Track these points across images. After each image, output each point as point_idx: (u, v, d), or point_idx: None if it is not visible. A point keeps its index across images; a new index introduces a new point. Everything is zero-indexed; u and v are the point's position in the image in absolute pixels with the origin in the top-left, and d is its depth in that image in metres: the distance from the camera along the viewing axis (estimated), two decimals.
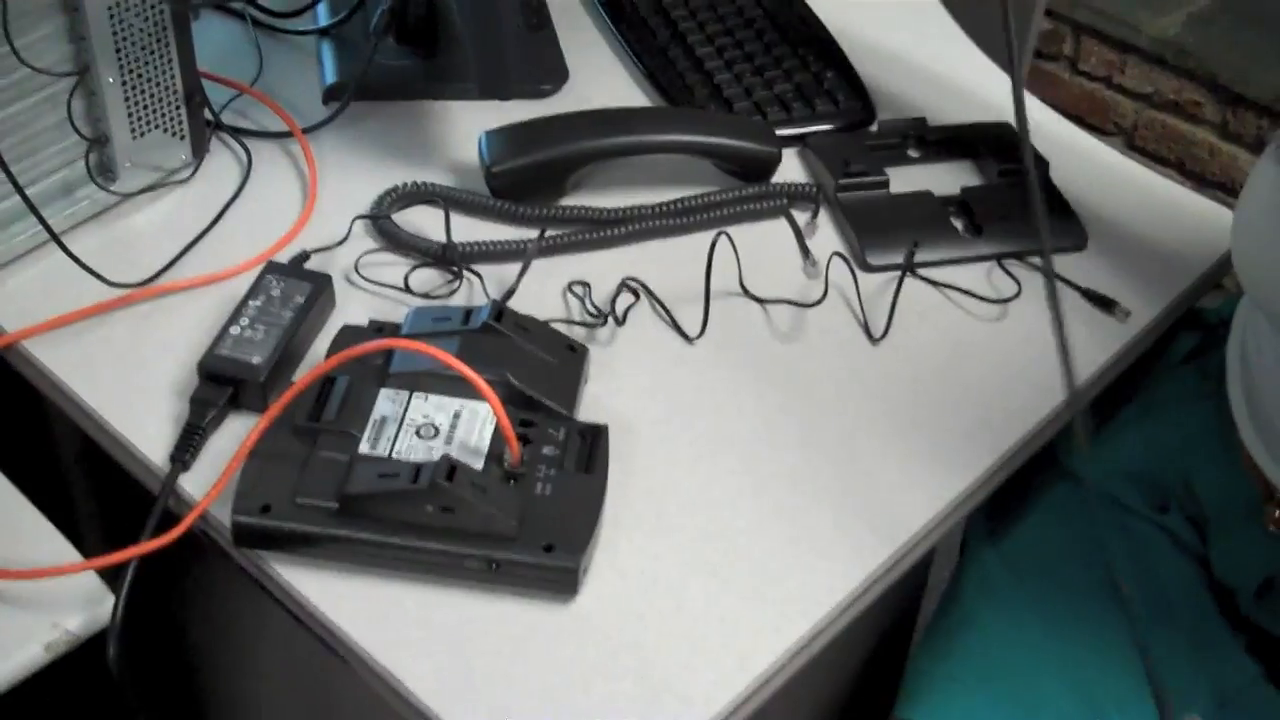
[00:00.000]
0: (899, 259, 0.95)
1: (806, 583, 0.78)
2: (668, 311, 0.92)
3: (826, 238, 0.99)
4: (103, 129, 0.95)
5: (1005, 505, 0.94)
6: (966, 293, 0.94)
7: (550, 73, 1.12)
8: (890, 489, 0.83)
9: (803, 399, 0.88)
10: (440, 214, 0.97)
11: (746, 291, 0.93)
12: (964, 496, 0.84)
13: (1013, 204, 0.99)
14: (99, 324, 0.91)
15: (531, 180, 0.99)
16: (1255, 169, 0.83)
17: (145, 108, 0.96)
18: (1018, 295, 0.94)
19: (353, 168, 1.03)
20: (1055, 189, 1.02)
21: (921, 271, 0.94)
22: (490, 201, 0.98)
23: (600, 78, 1.13)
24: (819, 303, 0.92)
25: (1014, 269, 0.96)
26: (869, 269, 0.96)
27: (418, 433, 0.80)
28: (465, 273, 0.94)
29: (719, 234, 0.92)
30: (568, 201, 1.00)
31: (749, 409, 0.87)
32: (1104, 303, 0.94)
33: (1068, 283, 0.95)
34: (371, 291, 0.93)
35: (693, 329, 0.91)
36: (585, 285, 0.93)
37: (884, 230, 0.97)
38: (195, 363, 0.85)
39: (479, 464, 0.79)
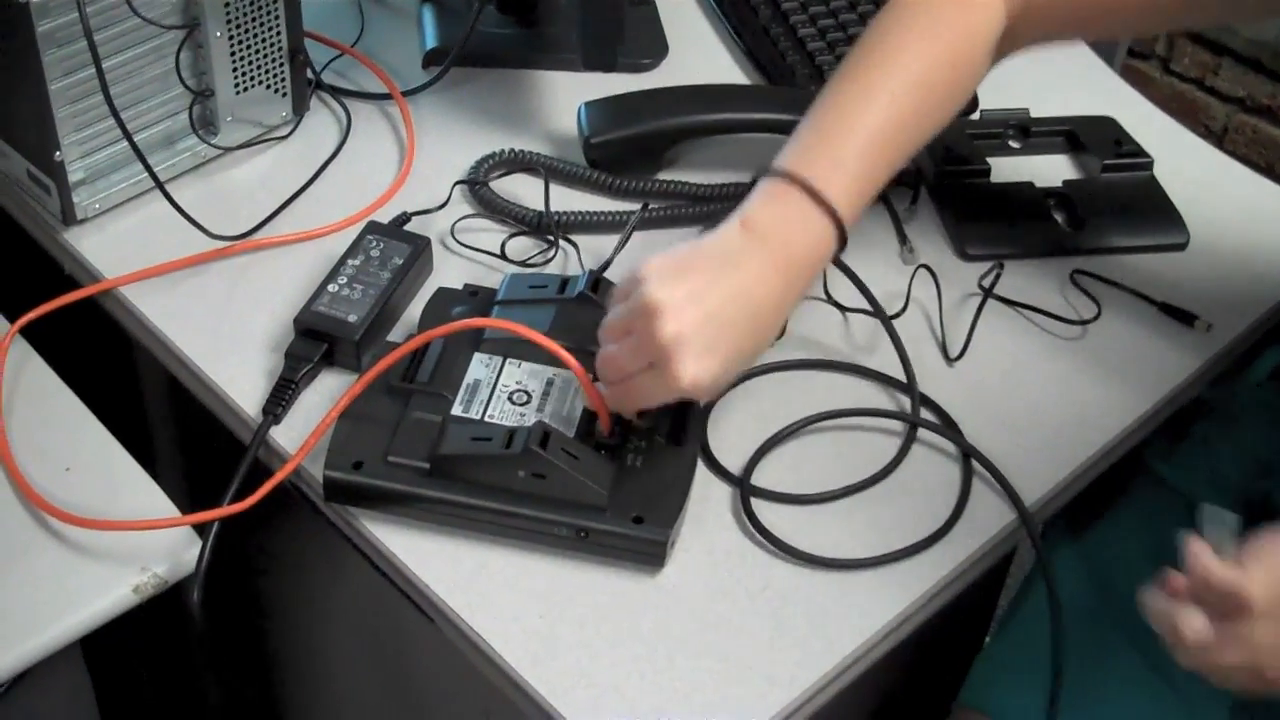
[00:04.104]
0: (997, 250, 0.95)
1: (895, 571, 0.78)
2: None
3: (925, 224, 0.98)
4: (207, 82, 0.95)
5: (1088, 503, 0.93)
6: (1045, 313, 0.92)
7: (650, 47, 1.12)
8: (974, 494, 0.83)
9: (885, 403, 0.88)
10: (536, 182, 0.97)
11: (829, 297, 0.92)
12: (1038, 506, 0.83)
13: (1115, 199, 0.98)
14: (196, 274, 0.91)
15: (629, 153, 0.98)
16: None
17: (250, 63, 0.97)
18: (1098, 316, 0.92)
19: (450, 133, 1.03)
20: (1159, 186, 1.00)
21: (1003, 292, 0.92)
22: (588, 172, 0.98)
23: (700, 54, 1.13)
24: (900, 314, 0.91)
25: (1093, 287, 0.94)
26: (967, 258, 0.95)
27: (510, 399, 0.81)
28: (561, 242, 0.94)
29: None
30: (665, 175, 0.99)
31: (836, 402, 0.87)
32: (1184, 316, 0.92)
33: (1145, 298, 0.93)
34: (467, 256, 0.93)
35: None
36: None
37: (983, 219, 0.96)
38: (290, 317, 0.86)
39: (571, 432, 0.79)
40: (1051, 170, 1.02)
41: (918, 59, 0.81)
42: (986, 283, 0.92)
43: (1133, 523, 0.94)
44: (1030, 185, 0.99)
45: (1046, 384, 0.88)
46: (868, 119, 0.79)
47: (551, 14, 1.12)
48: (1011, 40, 0.84)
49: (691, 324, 0.73)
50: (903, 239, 0.96)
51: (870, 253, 0.95)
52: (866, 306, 0.90)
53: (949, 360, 0.89)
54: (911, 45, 0.81)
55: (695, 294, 0.73)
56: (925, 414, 0.86)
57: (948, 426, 0.85)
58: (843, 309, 0.91)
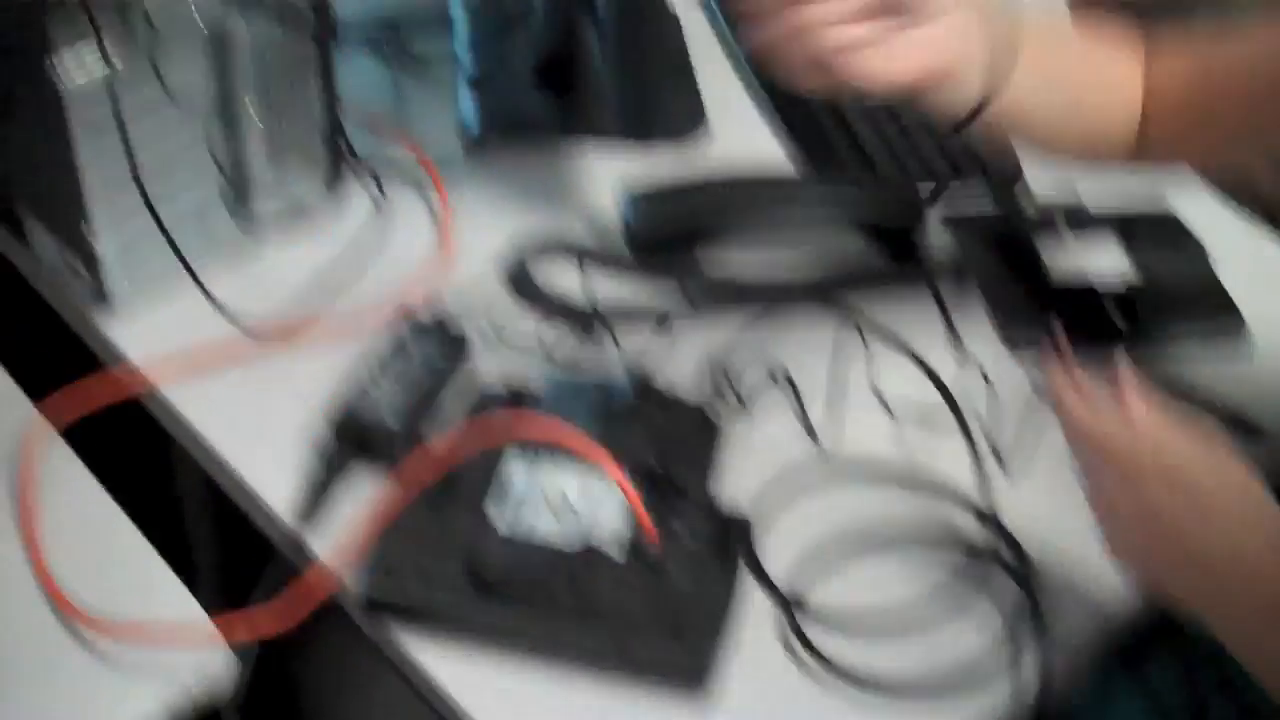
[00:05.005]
0: (1048, 346, 0.92)
1: (950, 702, 0.76)
2: (801, 405, 0.89)
3: (974, 316, 0.96)
4: (242, 163, 0.94)
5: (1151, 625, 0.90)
6: None
7: (690, 119, 1.10)
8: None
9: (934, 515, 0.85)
10: (577, 269, 0.95)
11: (878, 396, 0.90)
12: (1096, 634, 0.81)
13: (1174, 297, 0.96)
14: (230, 366, 0.90)
15: (672, 242, 0.97)
16: None
17: (285, 144, 0.95)
18: None
19: (488, 211, 1.01)
20: (1220, 284, 0.98)
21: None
22: (629, 260, 0.96)
23: (740, 125, 1.11)
24: (946, 422, 0.88)
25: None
26: (1016, 351, 0.93)
27: (550, 506, 0.79)
28: (601, 333, 0.92)
29: (848, 324, 0.89)
30: (707, 265, 0.97)
31: (878, 514, 0.85)
32: (1247, 427, 0.89)
33: (1207, 405, 0.90)
34: (506, 348, 0.91)
35: (821, 421, 0.88)
36: (730, 366, 0.90)
37: (1033, 313, 0.94)
38: (325, 412, 0.85)
39: (613, 545, 0.77)
40: (1107, 262, 0.98)
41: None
42: (1038, 382, 0.90)
43: (1195, 653, 0.90)
44: (1084, 279, 0.96)
45: None
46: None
47: (591, 87, 1.10)
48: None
49: None
50: (951, 330, 0.94)
51: (916, 346, 0.93)
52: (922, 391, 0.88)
53: (1001, 464, 0.86)
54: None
55: None
56: (996, 541, 0.83)
57: (1021, 568, 0.81)
58: (888, 409, 0.89)
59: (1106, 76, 0.86)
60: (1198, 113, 0.85)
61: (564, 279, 0.96)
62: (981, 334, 0.95)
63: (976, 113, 0.80)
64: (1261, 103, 0.82)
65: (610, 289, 0.96)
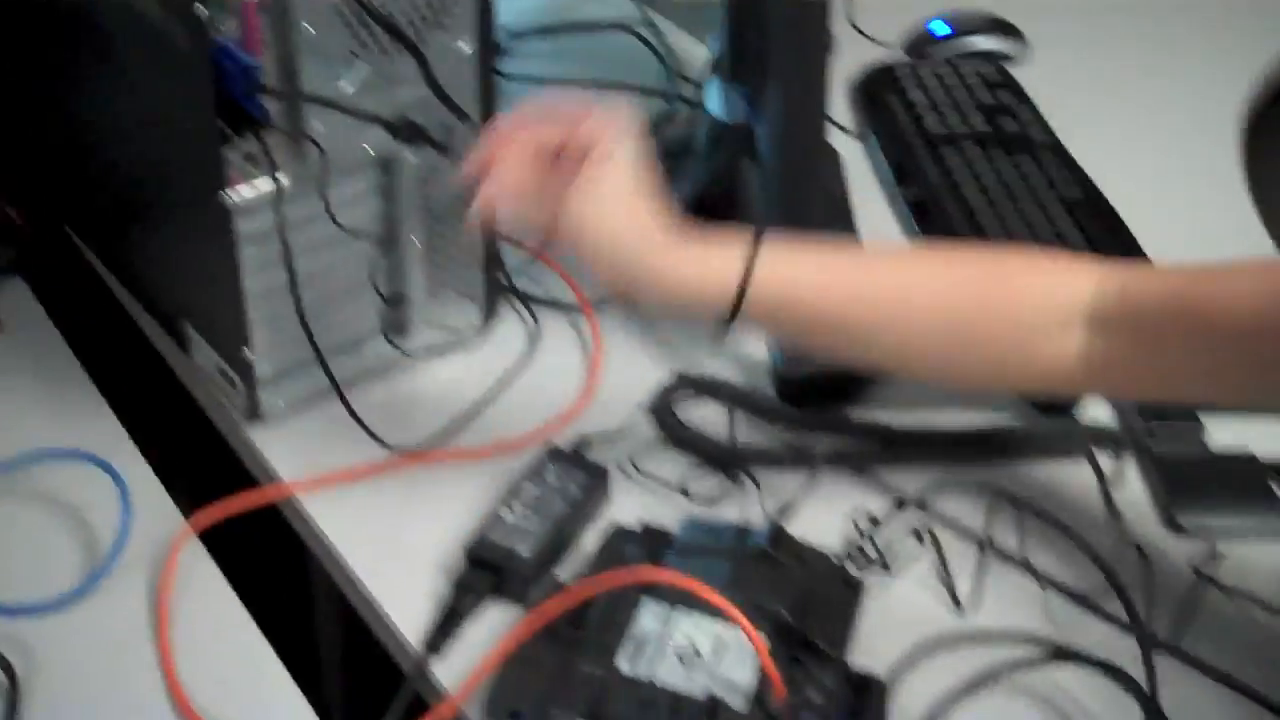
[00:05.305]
0: (1211, 525, 0.88)
1: None
2: (945, 567, 0.86)
3: (1131, 491, 0.92)
4: (400, 287, 0.95)
5: None
6: (1265, 606, 0.84)
7: None
8: None
9: (1089, 692, 0.81)
10: (722, 411, 0.94)
11: (1027, 563, 0.86)
12: None
13: None
14: (372, 485, 0.90)
15: (821, 389, 0.95)
16: None
17: (444, 269, 0.96)
18: None
19: (637, 347, 1.01)
20: None
21: (1216, 574, 0.84)
22: (776, 405, 0.95)
23: None
24: (1098, 594, 0.84)
25: None
26: (1177, 531, 0.89)
27: (679, 655, 0.77)
28: (743, 477, 0.91)
29: (999, 487, 0.86)
30: (856, 414, 0.96)
31: (1021, 689, 0.81)
32: None
33: None
34: (645, 487, 0.91)
35: (966, 585, 0.85)
36: (874, 522, 0.87)
37: (1195, 489, 0.90)
38: (462, 537, 0.84)
39: (741, 701, 0.74)
40: (1275, 437, 0.94)
41: (947, 271, 0.82)
42: (1199, 563, 0.85)
43: None
44: (1248, 453, 0.92)
45: (1271, 689, 0.80)
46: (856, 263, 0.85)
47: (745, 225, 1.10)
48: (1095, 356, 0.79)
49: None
50: (1108, 501, 0.90)
51: (1069, 513, 0.89)
52: (1068, 569, 0.84)
53: (1155, 643, 0.82)
54: (953, 263, 0.83)
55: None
56: None
57: None
58: (1037, 576, 0.86)
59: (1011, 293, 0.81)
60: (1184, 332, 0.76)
61: (709, 420, 0.95)
62: (1139, 504, 0.91)
63: (725, 327, 0.81)
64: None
65: (755, 433, 0.94)
